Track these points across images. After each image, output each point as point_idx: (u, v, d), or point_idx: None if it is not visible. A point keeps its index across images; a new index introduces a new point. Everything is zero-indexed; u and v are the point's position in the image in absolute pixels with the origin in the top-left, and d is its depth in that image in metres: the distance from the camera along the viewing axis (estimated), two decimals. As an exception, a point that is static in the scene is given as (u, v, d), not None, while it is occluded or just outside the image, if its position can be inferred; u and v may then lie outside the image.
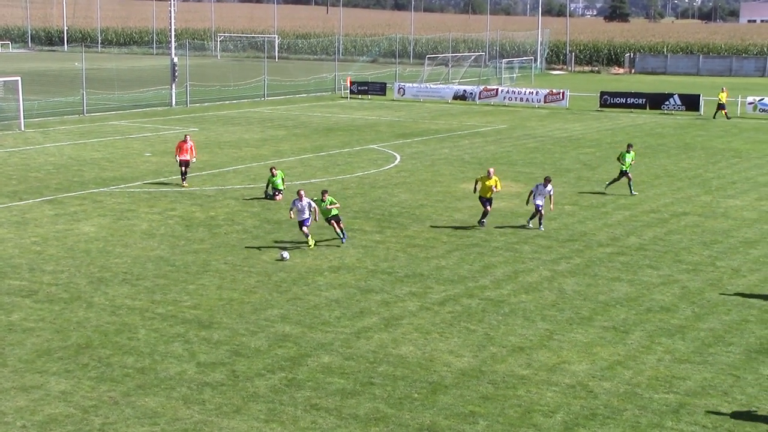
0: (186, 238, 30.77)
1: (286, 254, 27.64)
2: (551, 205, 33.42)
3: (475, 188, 33.16)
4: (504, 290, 25.58)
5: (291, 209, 29.52)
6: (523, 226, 32.99)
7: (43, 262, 27.60)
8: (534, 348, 21.23)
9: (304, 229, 29.55)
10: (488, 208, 33.02)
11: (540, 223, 32.83)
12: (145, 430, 16.75)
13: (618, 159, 39.74)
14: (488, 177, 32.62)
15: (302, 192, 29.53)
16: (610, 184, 39.71)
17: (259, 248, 29.50)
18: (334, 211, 29.80)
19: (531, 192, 33.09)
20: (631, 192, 39.02)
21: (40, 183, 40.35)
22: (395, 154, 50.67)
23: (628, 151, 39.12)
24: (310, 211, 29.35)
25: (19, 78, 60.53)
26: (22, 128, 58.71)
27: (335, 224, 29.87)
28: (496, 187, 32.68)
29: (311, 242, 29.65)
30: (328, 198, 29.65)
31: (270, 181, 37.45)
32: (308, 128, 62.21)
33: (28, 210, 34.86)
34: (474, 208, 36.14)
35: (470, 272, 27.24)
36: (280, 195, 37.18)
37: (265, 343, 21.27)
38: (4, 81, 63.24)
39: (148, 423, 17.03)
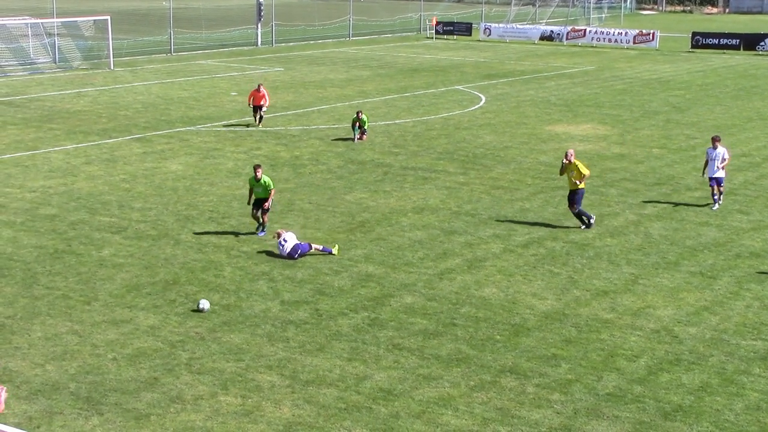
0: (271, 178, 30.95)
1: (204, 305, 19.55)
2: (721, 164, 27.27)
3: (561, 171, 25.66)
4: (589, 233, 25.29)
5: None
6: (706, 205, 27.98)
7: (131, 200, 28.09)
8: (618, 292, 21.02)
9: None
10: (575, 207, 25.31)
11: (716, 200, 27.72)
12: (230, 365, 17.04)
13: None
14: (567, 161, 25.06)
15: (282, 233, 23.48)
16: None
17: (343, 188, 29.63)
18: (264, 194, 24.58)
19: (705, 162, 27.71)
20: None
21: (129, 121, 40.96)
22: (480, 95, 50.24)
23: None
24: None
25: (108, 17, 61.30)
26: (112, 67, 59.55)
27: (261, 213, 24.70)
28: (578, 174, 24.91)
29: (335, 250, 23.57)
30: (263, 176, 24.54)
31: (359, 121, 36.85)
32: (393, 69, 61.96)
33: (117, 148, 35.45)
34: (560, 150, 35.75)
35: (555, 215, 26.99)
36: (365, 135, 37.16)
37: (348, 282, 21.42)
38: (95, 20, 64.07)
39: (233, 359, 17.32)
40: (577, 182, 25.06)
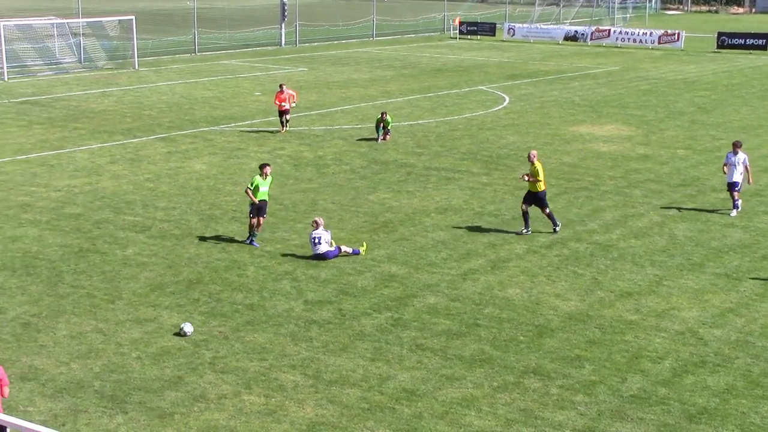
0: (294, 177, 31.05)
1: (187, 329, 18.21)
2: (749, 178, 27.23)
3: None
4: (613, 234, 25.20)
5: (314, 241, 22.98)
6: (726, 213, 27.15)
7: (156, 199, 28.19)
8: (643, 293, 20.92)
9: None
10: (525, 207, 24.80)
11: (734, 205, 27.23)
12: (254, 364, 17.07)
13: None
14: (530, 162, 24.84)
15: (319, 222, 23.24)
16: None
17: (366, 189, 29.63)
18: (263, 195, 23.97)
19: (724, 164, 27.36)
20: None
21: (153, 121, 41.12)
22: (504, 95, 50.14)
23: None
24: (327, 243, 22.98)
25: (133, 17, 61.58)
26: (136, 67, 59.81)
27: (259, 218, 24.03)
28: (534, 175, 24.52)
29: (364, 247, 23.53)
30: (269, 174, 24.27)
31: (383, 122, 36.89)
32: (416, 69, 61.92)
33: (141, 147, 35.59)
34: (584, 151, 35.65)
35: (578, 216, 26.89)
36: (389, 135, 37.17)
37: (371, 282, 21.41)
38: (119, 20, 64.36)
39: (256, 358, 17.34)
40: (532, 180, 24.50)
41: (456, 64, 65.02)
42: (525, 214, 24.94)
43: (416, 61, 66.78)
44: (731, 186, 27.10)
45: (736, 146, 27.20)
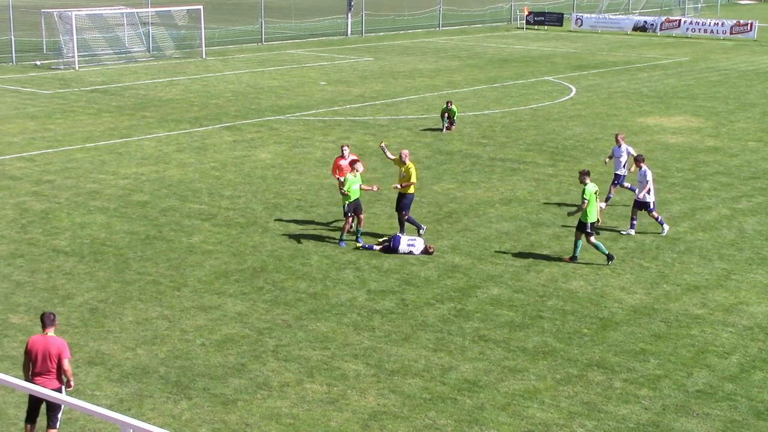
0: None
1: None
2: (643, 193, 24.05)
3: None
4: (680, 227, 24.85)
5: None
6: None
7: (221, 187, 28.42)
8: (710, 287, 20.61)
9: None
10: (404, 213, 23.55)
11: (661, 224, 24.36)
12: (316, 353, 17.14)
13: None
14: (402, 161, 23.49)
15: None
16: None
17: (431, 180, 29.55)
18: (355, 194, 23.12)
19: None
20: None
21: (220, 110, 41.45)
22: (570, 86, 49.68)
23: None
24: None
25: (201, 7, 62.12)
26: (204, 56, 60.34)
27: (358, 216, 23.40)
28: (407, 177, 23.37)
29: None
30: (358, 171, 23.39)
31: (449, 111, 36.82)
32: (482, 59, 61.63)
33: (208, 136, 35.91)
34: (651, 143, 35.19)
35: (645, 208, 26.54)
36: (454, 125, 37.05)
37: (434, 273, 21.37)
38: (188, 9, 64.95)
39: (319, 347, 17.42)
40: (400, 185, 23.40)
41: (522, 54, 64.60)
42: (402, 222, 23.56)
43: (482, 51, 66.47)
44: (642, 206, 24.11)
45: (638, 161, 24.36)
